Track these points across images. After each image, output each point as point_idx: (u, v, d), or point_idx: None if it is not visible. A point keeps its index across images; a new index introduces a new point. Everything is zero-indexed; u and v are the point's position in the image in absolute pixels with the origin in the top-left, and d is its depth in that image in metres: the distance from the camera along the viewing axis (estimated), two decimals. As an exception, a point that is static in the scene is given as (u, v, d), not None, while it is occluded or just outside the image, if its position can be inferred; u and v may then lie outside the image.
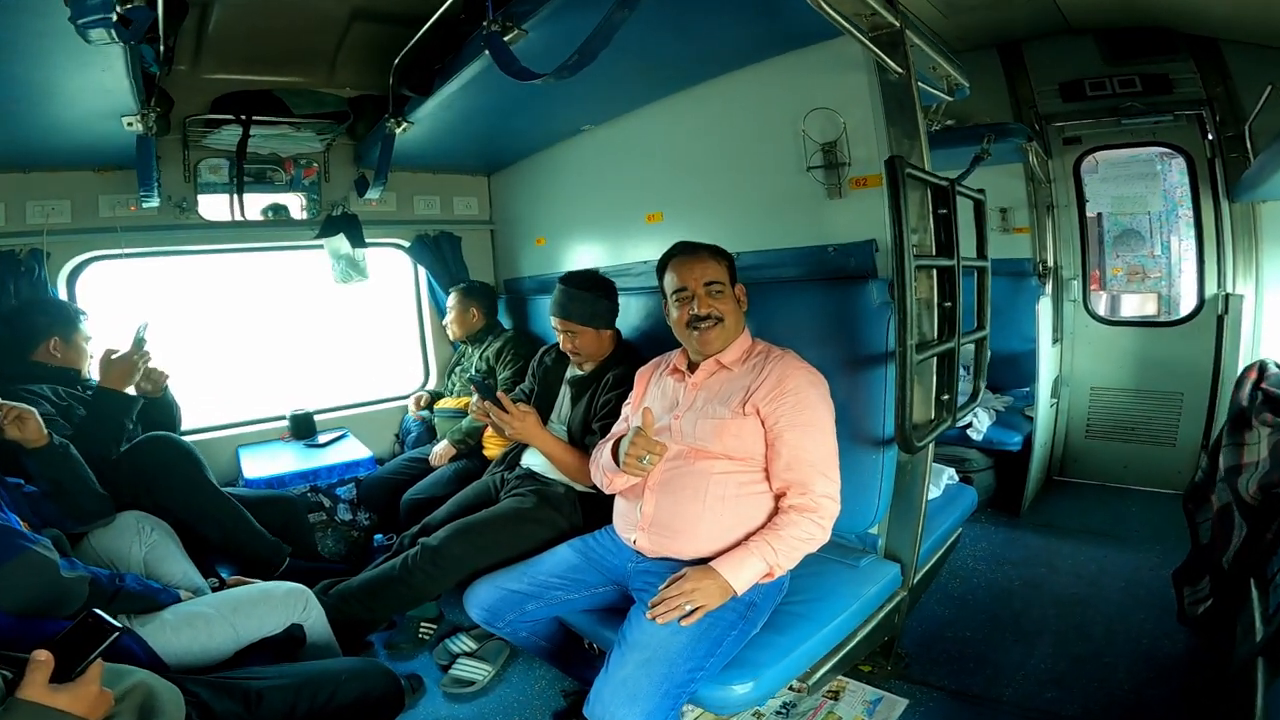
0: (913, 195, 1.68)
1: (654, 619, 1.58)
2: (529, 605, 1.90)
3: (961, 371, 1.92)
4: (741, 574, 1.63)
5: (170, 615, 1.70)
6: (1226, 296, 3.56)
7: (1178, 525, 2.38)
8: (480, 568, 2.06)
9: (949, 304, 1.81)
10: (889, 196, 1.56)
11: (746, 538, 1.70)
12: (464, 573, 2.08)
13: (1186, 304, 4.44)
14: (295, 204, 3.37)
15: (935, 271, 1.82)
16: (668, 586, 1.64)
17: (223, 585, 2.06)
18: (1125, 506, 3.63)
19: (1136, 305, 4.73)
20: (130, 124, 2.25)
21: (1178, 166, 4.41)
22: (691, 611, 1.57)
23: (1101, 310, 4.13)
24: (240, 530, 2.37)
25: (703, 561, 1.69)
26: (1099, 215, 4.53)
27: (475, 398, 2.28)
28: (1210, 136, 3.56)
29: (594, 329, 2.35)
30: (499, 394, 2.15)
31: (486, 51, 1.77)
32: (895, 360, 1.73)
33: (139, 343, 2.38)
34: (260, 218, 3.26)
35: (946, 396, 1.85)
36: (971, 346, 2.10)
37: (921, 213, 1.79)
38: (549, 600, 1.90)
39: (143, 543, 2.00)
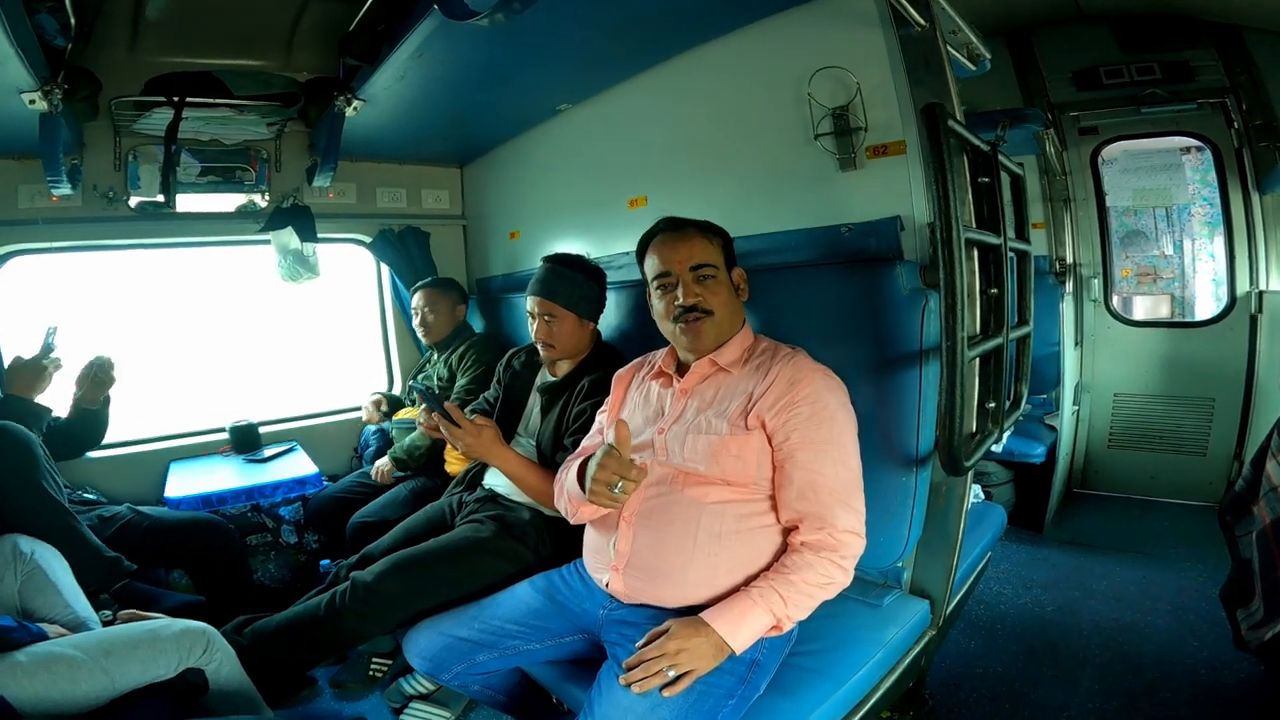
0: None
1: (630, 685, 1.26)
2: (480, 656, 1.58)
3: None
4: (741, 630, 1.31)
5: (24, 657, 1.41)
6: (1261, 294, 3.33)
7: (1215, 540, 2.21)
8: (425, 607, 1.75)
9: (995, 291, 1.51)
10: (931, 154, 1.25)
11: (747, 582, 1.38)
12: (404, 614, 1.77)
13: (1202, 305, 4.24)
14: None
15: (976, 253, 1.51)
16: (647, 645, 1.31)
17: (115, 619, 1.79)
18: (1155, 520, 3.43)
19: (1148, 308, 4.50)
20: (32, 101, 2.05)
21: (1190, 162, 4.22)
22: (677, 678, 1.26)
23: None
24: (67, 542, 2.07)
25: (692, 611, 1.37)
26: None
27: (421, 408, 1.96)
28: (1236, 126, 3.37)
29: (577, 316, 2.08)
30: (448, 405, 1.81)
31: (435, 7, 1.56)
32: (934, 358, 1.44)
33: (48, 347, 2.21)
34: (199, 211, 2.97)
35: (993, 404, 1.54)
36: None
37: (960, 181, 1.49)
38: (505, 650, 1.58)
39: (19, 571, 1.73)
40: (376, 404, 3.14)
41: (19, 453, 2.07)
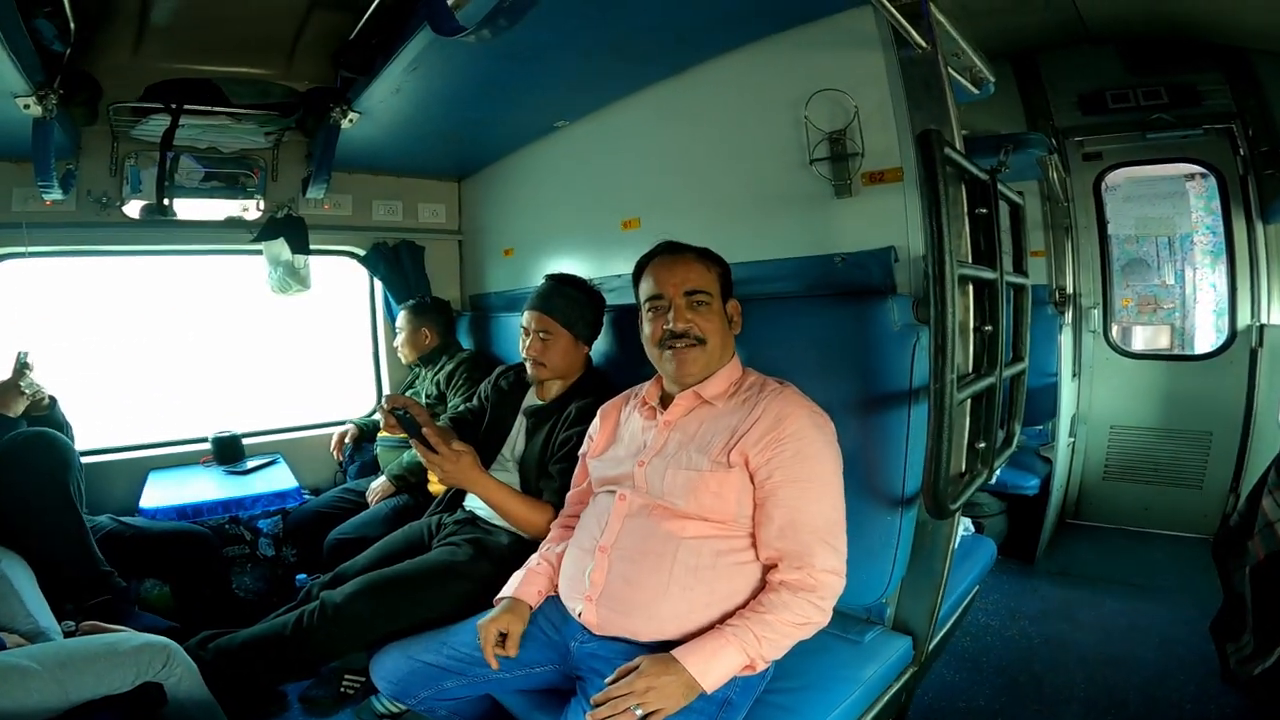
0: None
1: None
2: (447, 682, 1.54)
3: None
4: (713, 668, 1.27)
5: None
6: (1262, 328, 3.27)
7: (1207, 572, 2.20)
8: (394, 629, 1.71)
9: (989, 328, 1.46)
10: (924, 183, 1.21)
11: (723, 618, 1.34)
12: (373, 635, 1.73)
13: (1202, 335, 4.19)
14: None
15: (971, 288, 1.47)
16: (615, 682, 1.27)
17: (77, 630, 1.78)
18: (1148, 552, 3.39)
19: (1148, 337, 4.45)
20: (26, 105, 2.04)
21: (1194, 190, 4.18)
22: (645, 717, 1.21)
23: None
24: (72, 550, 2.08)
25: (665, 645, 1.33)
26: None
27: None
28: (1242, 152, 3.32)
29: (572, 336, 2.05)
30: (426, 431, 1.74)
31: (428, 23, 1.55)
32: (924, 396, 1.39)
33: (20, 369, 2.20)
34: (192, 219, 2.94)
35: (982, 444, 1.49)
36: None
37: (956, 212, 1.45)
38: (473, 678, 1.53)
39: None
40: (342, 436, 3.13)
41: (56, 457, 2.11)
